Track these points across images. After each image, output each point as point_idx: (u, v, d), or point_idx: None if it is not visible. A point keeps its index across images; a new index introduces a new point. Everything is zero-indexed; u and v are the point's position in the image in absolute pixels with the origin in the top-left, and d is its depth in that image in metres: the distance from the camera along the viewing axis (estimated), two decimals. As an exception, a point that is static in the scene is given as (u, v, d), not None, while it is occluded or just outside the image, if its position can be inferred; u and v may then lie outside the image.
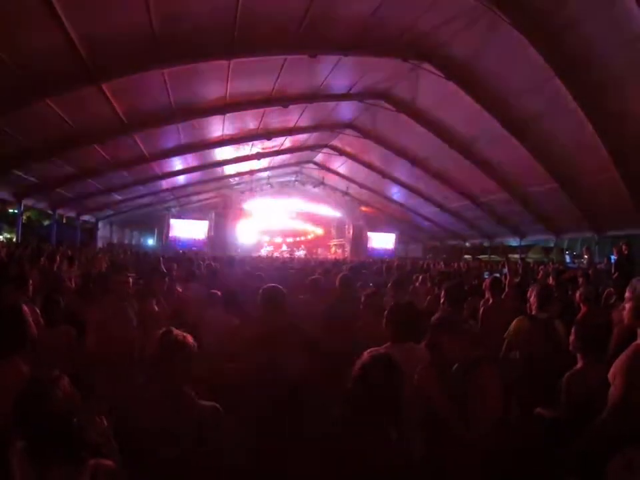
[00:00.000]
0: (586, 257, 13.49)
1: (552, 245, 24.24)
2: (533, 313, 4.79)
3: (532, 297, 4.92)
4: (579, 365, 3.49)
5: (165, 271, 6.64)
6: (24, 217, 21.79)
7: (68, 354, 4.21)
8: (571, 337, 3.58)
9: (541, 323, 4.59)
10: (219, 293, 6.12)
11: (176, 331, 2.62)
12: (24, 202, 18.48)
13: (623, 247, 10.33)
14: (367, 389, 2.25)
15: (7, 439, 2.04)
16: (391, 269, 12.40)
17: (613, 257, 10.38)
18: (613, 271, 10.23)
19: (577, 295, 6.10)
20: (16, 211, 21.15)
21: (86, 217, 25.70)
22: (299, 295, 6.83)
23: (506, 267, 6.43)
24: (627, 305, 3.04)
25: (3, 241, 19.68)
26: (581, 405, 3.12)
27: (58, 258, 8.34)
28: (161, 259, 9.76)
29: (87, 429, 2.03)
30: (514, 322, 4.69)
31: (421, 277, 9.45)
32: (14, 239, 22.23)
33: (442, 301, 4.91)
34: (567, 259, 23.94)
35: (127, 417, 2.42)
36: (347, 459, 2.16)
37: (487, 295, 5.93)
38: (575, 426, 3.05)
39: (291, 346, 3.69)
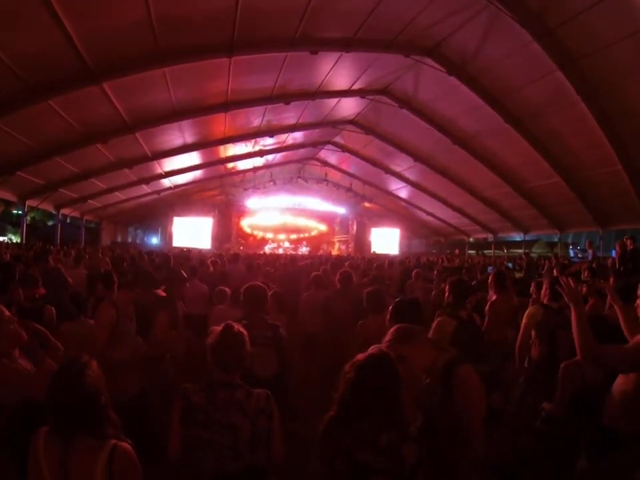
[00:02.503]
0: (590, 251, 13.39)
1: (556, 239, 24.13)
2: (545, 302, 4.86)
3: (544, 288, 5.03)
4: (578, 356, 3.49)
5: (185, 275, 6.57)
6: (28, 218, 21.81)
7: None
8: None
9: (555, 311, 4.65)
10: (227, 290, 6.25)
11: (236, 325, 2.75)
12: (28, 202, 18.54)
13: (628, 242, 10.26)
14: (358, 390, 2.19)
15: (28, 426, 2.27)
16: (393, 264, 12.41)
17: (613, 252, 10.31)
18: (617, 265, 10.17)
19: (583, 288, 6.11)
20: (20, 212, 21.20)
21: (90, 217, 25.78)
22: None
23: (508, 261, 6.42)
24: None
25: (7, 243, 19.69)
26: (578, 396, 3.11)
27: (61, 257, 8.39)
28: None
29: (110, 409, 2.25)
30: (528, 310, 4.77)
31: (414, 273, 9.48)
32: (18, 240, 22.31)
33: (446, 295, 4.92)
34: (571, 253, 23.82)
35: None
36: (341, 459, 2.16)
37: (491, 289, 5.94)
38: (572, 418, 3.04)
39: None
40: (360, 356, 2.33)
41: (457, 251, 26.71)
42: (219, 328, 2.67)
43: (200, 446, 2.44)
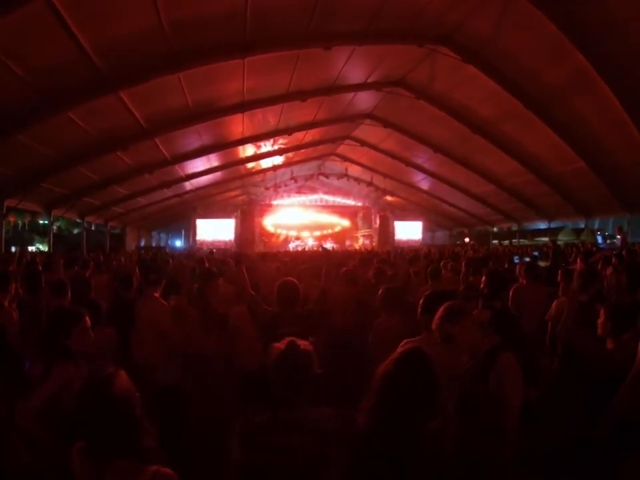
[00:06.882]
0: (619, 237, 13.05)
1: (582, 226, 23.62)
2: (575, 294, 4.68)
3: (575, 278, 4.82)
4: (609, 346, 3.39)
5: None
6: (54, 227, 22.31)
7: (111, 355, 4.32)
8: (600, 319, 3.49)
9: (587, 304, 4.47)
10: None
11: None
12: (53, 212, 18.96)
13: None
14: (397, 388, 2.10)
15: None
16: (418, 258, 12.25)
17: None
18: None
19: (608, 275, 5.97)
20: (46, 222, 21.66)
21: (114, 223, 26.20)
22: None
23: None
24: None
25: (37, 252, 20.24)
26: (609, 387, 3.04)
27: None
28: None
29: (146, 426, 1.96)
30: (557, 301, 4.59)
31: (450, 265, 9.30)
32: (46, 249, 22.82)
33: (482, 286, 4.83)
34: (599, 239, 23.35)
35: None
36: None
37: (521, 278, 5.81)
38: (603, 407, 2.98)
39: None
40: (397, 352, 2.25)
41: (466, 240, 26.31)
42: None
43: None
